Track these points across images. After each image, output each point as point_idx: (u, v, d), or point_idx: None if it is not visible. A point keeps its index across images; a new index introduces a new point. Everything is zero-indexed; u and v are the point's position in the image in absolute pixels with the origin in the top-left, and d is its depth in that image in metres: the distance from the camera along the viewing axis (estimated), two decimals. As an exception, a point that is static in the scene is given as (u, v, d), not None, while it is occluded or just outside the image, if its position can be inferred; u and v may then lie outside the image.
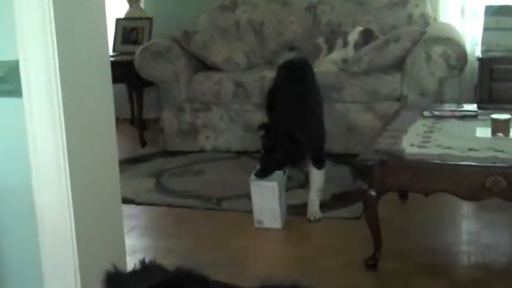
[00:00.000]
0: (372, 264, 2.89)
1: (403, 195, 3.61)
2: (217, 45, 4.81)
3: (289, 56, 4.60)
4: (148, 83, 4.92)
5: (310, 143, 3.33)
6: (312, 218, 3.45)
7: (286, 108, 3.57)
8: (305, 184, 3.73)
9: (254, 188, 3.38)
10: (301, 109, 3.50)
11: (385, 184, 2.84)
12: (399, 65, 4.46)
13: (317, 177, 3.50)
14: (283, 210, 3.44)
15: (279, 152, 3.28)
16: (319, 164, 3.49)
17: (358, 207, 3.39)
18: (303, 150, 3.34)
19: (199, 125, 4.74)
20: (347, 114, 4.47)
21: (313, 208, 3.47)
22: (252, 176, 3.39)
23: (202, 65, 4.81)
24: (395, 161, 2.82)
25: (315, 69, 3.97)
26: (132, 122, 5.56)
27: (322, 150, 3.58)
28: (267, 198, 3.35)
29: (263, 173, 3.32)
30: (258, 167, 3.35)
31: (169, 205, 3.76)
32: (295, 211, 3.53)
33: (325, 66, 4.68)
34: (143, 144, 5.00)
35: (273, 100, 3.84)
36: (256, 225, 3.39)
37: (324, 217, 3.47)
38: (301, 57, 4.28)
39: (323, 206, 3.53)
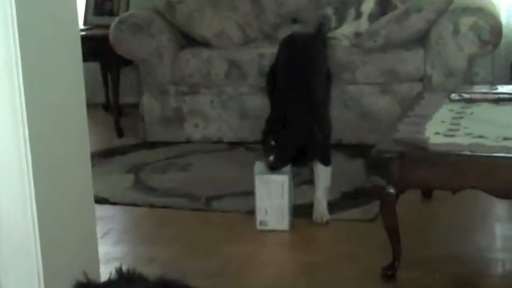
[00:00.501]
0: (390, 273, 2.90)
1: (427, 193, 3.62)
2: (207, 16, 4.80)
3: (293, 29, 4.60)
4: (126, 62, 4.92)
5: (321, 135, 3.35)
6: (318, 220, 3.45)
7: (288, 94, 3.56)
8: (310, 180, 3.73)
9: (260, 182, 3.37)
10: (303, 94, 3.50)
11: (405, 180, 2.84)
12: (422, 40, 4.46)
13: (323, 174, 3.49)
14: (290, 210, 3.44)
15: (292, 149, 3.30)
16: (325, 159, 3.49)
17: (373, 208, 3.39)
18: (317, 148, 3.35)
19: (185, 111, 4.73)
20: (360, 98, 4.47)
21: (321, 208, 3.48)
22: (257, 168, 3.38)
23: (189, 41, 4.81)
24: (418, 153, 2.82)
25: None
26: (106, 107, 5.56)
27: (328, 143, 3.58)
28: (274, 194, 3.36)
29: (277, 165, 3.31)
30: (272, 157, 3.32)
31: (151, 205, 3.76)
32: (299, 212, 3.53)
33: (334, 42, 4.67)
34: (120, 133, 5.00)
35: (275, 83, 3.85)
36: (259, 227, 3.40)
37: (333, 219, 3.47)
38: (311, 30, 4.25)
39: (332, 206, 3.53)
